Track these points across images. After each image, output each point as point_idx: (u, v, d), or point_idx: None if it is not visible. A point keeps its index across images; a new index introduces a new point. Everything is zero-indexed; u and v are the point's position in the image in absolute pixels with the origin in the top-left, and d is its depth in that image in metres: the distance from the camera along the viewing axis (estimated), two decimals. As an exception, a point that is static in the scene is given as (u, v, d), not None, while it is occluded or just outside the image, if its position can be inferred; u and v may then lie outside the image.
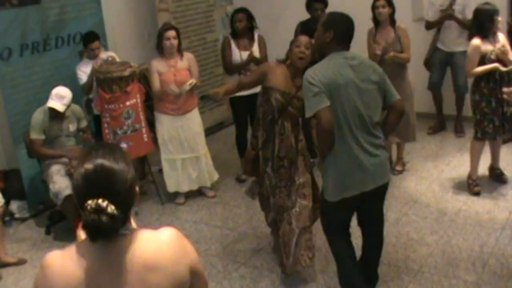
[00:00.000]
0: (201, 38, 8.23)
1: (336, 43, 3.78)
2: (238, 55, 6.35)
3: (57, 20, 6.58)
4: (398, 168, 6.51)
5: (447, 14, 7.04)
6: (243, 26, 6.36)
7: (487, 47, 5.57)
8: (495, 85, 5.60)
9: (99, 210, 1.82)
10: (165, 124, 6.12)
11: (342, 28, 3.80)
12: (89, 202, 1.83)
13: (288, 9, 8.14)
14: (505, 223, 5.24)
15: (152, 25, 7.78)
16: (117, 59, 6.34)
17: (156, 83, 6.00)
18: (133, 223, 2.07)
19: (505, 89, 1.93)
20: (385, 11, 6.02)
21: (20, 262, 5.43)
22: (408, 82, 6.16)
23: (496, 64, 5.52)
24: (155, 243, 1.97)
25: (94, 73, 6.04)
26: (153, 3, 7.69)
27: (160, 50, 6.00)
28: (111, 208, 1.83)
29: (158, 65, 6.01)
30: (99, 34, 6.60)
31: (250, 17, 6.41)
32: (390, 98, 3.87)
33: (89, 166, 1.90)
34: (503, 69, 5.52)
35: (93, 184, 1.88)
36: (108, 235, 1.88)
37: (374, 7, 6.07)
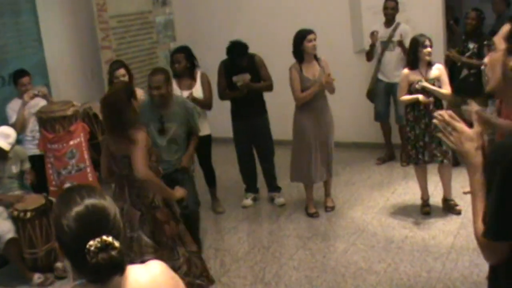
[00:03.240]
0: (143, 76, 8.21)
1: None
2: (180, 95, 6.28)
3: (-3, 59, 6.50)
4: (330, 204, 6.46)
5: (396, 43, 7.20)
6: (182, 67, 6.20)
7: (415, 77, 5.80)
8: (419, 113, 5.84)
9: (106, 247, 1.76)
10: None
11: None
12: (91, 243, 1.76)
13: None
14: (450, 247, 5.33)
15: (95, 63, 7.73)
16: (46, 92, 6.29)
17: None
18: None
19: (438, 112, 1.97)
20: (316, 44, 6.05)
21: None
22: (331, 115, 6.24)
23: (415, 96, 5.77)
24: (149, 275, 1.96)
25: (24, 109, 6.05)
26: (95, 41, 7.65)
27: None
28: (117, 242, 1.79)
29: None
30: (41, 72, 6.54)
31: (189, 57, 6.26)
32: None
33: (79, 208, 1.84)
34: (422, 101, 5.74)
35: (89, 224, 1.81)
36: (120, 270, 1.82)
37: (304, 41, 6.03)
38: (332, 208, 6.40)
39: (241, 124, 6.54)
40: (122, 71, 5.90)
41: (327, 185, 6.46)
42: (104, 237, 1.77)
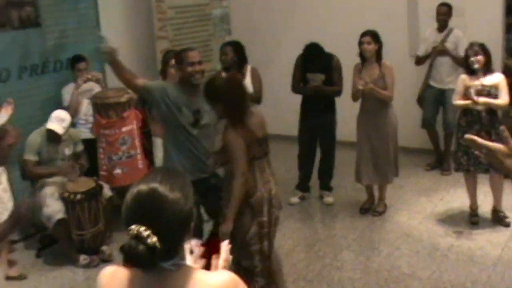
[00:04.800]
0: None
1: None
2: None
3: (56, 44, 6.64)
4: (379, 209, 6.40)
5: (440, 50, 7.11)
6: (228, 59, 6.26)
7: (472, 82, 5.70)
8: (472, 119, 5.74)
9: (139, 238, 1.75)
10: (161, 148, 6.10)
11: None
12: (133, 227, 1.77)
13: (286, 41, 8.20)
14: (497, 259, 5.24)
15: (151, 52, 7.83)
16: (100, 77, 6.41)
17: None
18: (188, 261, 1.99)
19: (466, 136, 1.93)
20: (370, 47, 5.96)
21: (21, 277, 5.45)
22: (390, 120, 6.15)
23: (468, 101, 5.66)
24: (204, 285, 1.86)
25: (78, 93, 6.22)
26: (152, 30, 7.75)
27: (164, 75, 6.03)
28: (152, 240, 1.74)
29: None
30: (97, 59, 6.64)
31: (237, 51, 6.31)
32: None
33: (143, 188, 1.83)
34: (477, 105, 5.64)
35: (141, 208, 1.81)
36: (142, 266, 1.80)
37: (359, 43, 6.06)
38: (379, 213, 6.33)
39: (308, 121, 6.57)
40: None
41: (381, 190, 6.40)
42: (143, 229, 1.75)
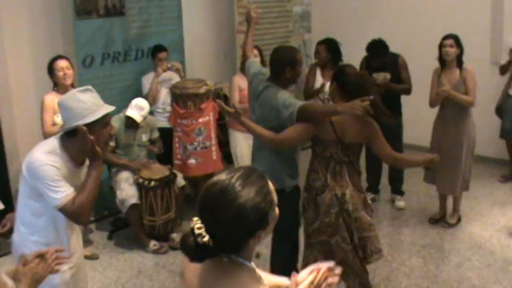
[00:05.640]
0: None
1: None
2: (320, 84, 6.38)
3: (139, 33, 6.78)
4: (451, 221, 6.21)
5: None
6: (322, 57, 6.42)
7: None
8: None
9: (193, 233, 1.81)
10: (238, 141, 6.19)
11: None
12: (194, 219, 1.82)
13: (364, 41, 8.11)
14: None
15: (230, 46, 7.91)
16: (179, 67, 6.49)
17: (235, 98, 6.10)
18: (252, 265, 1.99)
19: None
20: (452, 50, 5.80)
21: (94, 257, 5.64)
22: (468, 130, 5.94)
23: None
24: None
25: (157, 82, 6.36)
26: (232, 24, 7.82)
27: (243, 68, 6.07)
28: (203, 240, 1.78)
29: (239, 81, 6.11)
30: (178, 50, 6.76)
31: (331, 48, 6.42)
32: None
33: (213, 180, 1.86)
34: None
35: (204, 199, 1.85)
36: (191, 258, 1.86)
37: (441, 46, 5.91)
38: (450, 225, 6.14)
39: None
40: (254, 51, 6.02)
41: (454, 200, 6.23)
42: (197, 226, 1.80)
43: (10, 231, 3.29)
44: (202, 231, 1.78)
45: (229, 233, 1.81)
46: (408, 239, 5.91)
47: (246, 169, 1.89)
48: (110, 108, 3.11)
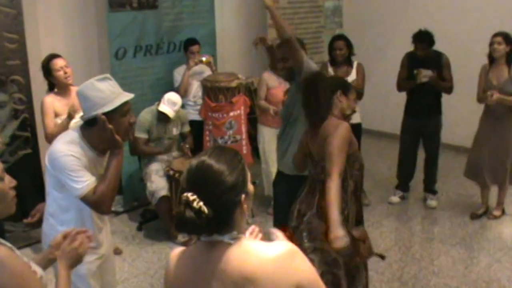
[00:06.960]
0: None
1: None
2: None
3: (171, 26, 6.82)
4: (495, 213, 6.23)
5: None
6: (343, 54, 6.23)
7: None
8: None
9: (186, 203, 1.86)
10: (266, 136, 6.20)
11: None
12: (184, 194, 1.89)
13: (396, 38, 8.07)
14: None
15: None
16: (211, 60, 6.48)
17: (262, 96, 6.10)
18: (247, 235, 2.06)
19: None
20: (500, 48, 5.78)
21: (117, 252, 5.52)
22: None
23: None
24: (258, 257, 1.91)
25: (189, 75, 6.39)
26: (264, 18, 7.81)
27: (274, 66, 6.07)
28: (198, 204, 1.84)
29: (269, 79, 6.10)
30: (210, 43, 6.77)
31: (349, 45, 6.28)
32: None
33: (194, 161, 1.97)
34: None
35: (191, 178, 1.93)
36: (192, 231, 1.91)
37: (490, 43, 5.90)
38: (495, 217, 6.18)
39: (412, 120, 6.44)
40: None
41: (500, 193, 6.22)
42: (189, 194, 1.87)
43: (40, 221, 3.33)
44: (196, 197, 1.85)
45: (218, 200, 1.89)
46: (437, 237, 5.86)
47: (219, 147, 2.13)
48: (129, 96, 3.12)
